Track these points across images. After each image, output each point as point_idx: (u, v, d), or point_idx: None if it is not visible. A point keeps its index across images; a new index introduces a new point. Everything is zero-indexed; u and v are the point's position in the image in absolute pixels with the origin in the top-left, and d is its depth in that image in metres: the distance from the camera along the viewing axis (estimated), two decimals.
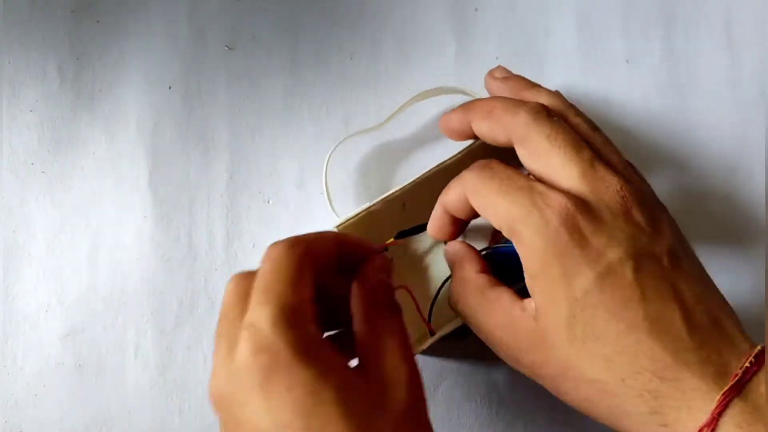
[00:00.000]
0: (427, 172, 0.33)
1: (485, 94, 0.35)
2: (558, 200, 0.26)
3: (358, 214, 0.33)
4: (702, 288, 0.26)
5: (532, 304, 0.27)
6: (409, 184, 0.33)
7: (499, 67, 0.35)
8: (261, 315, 0.24)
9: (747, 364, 0.24)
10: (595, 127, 0.30)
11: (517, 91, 0.32)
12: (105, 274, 0.38)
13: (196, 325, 0.37)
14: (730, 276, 0.38)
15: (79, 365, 0.37)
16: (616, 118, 0.40)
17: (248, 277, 0.27)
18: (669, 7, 0.41)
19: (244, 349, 0.24)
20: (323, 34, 0.40)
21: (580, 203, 0.26)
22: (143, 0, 0.40)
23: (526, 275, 0.27)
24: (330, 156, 0.36)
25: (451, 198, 0.30)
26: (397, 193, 0.33)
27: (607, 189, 0.27)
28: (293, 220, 0.38)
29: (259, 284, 0.26)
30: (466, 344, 0.36)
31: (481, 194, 0.28)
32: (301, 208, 0.39)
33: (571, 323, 0.25)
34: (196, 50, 0.40)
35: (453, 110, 0.32)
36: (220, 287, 0.38)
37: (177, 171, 0.39)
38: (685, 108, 0.40)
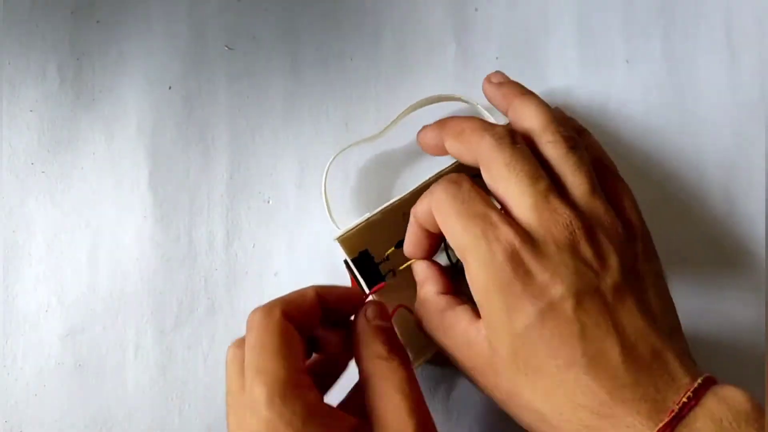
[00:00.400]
0: (426, 181, 0.33)
1: (484, 101, 0.36)
2: (506, 234, 0.27)
3: (358, 224, 0.33)
4: (646, 323, 0.26)
5: (482, 329, 0.28)
6: (408, 193, 0.33)
7: (496, 72, 0.35)
8: (256, 395, 0.25)
9: (684, 399, 0.24)
10: (572, 147, 0.29)
11: (509, 97, 0.32)
12: (105, 274, 0.38)
13: (196, 325, 0.37)
14: (730, 276, 0.38)
15: (79, 365, 0.37)
16: (616, 118, 0.40)
17: (242, 346, 0.28)
18: (669, 7, 0.41)
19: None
20: (323, 35, 0.40)
21: (527, 238, 0.27)
22: (143, 0, 0.40)
23: (475, 302, 0.28)
24: (329, 166, 0.36)
25: (420, 210, 0.30)
26: (396, 203, 0.34)
27: (556, 223, 0.27)
28: (293, 220, 0.38)
29: (249, 362, 0.26)
30: None
31: (443, 212, 0.29)
32: (301, 208, 0.39)
33: (514, 355, 0.26)
34: (196, 50, 0.40)
35: (430, 125, 0.34)
36: (220, 287, 0.38)
37: (177, 171, 0.39)
38: (685, 108, 0.40)
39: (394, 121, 0.37)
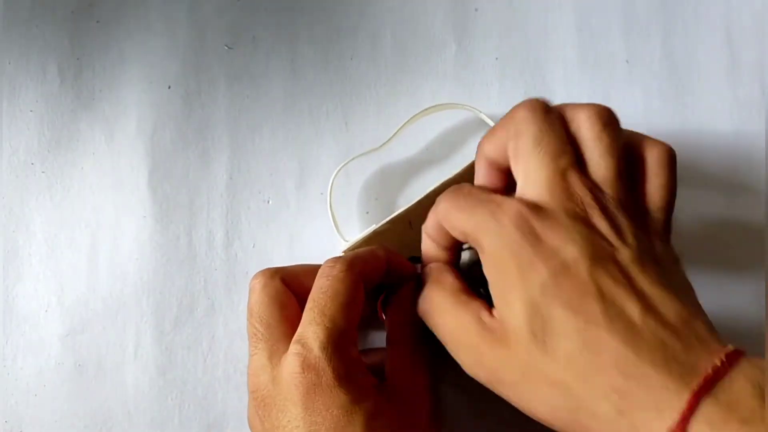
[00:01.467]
0: (432, 189, 0.33)
1: (486, 109, 0.35)
2: (512, 205, 0.26)
3: (365, 236, 0.33)
4: (669, 293, 0.25)
5: (495, 315, 0.27)
6: (414, 203, 0.33)
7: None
8: (312, 334, 0.27)
9: (718, 363, 0.23)
10: (606, 125, 0.28)
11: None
12: (105, 274, 0.38)
13: (196, 325, 0.37)
14: (730, 276, 0.38)
15: (79, 365, 0.37)
16: None
17: (275, 275, 0.30)
18: (669, 7, 0.41)
19: (293, 364, 0.27)
20: (323, 34, 0.40)
21: (534, 206, 0.26)
22: (143, 0, 0.40)
23: (489, 284, 0.27)
24: (333, 178, 0.36)
25: (429, 226, 0.30)
26: (402, 213, 0.34)
27: (570, 197, 0.26)
28: (293, 220, 0.38)
29: (316, 302, 0.28)
30: None
31: (450, 216, 0.28)
32: (301, 208, 0.39)
33: (531, 321, 0.25)
34: (196, 50, 0.40)
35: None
36: (220, 287, 0.38)
37: (177, 171, 0.39)
38: (685, 108, 0.40)
39: (398, 131, 0.37)
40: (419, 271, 0.32)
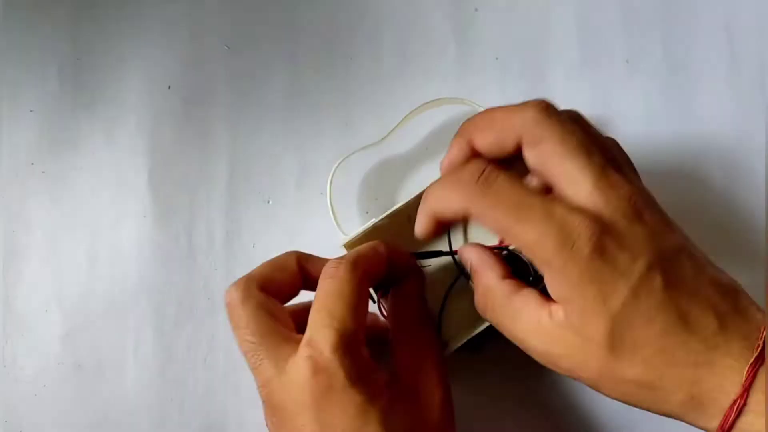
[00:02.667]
0: (431, 185, 0.33)
1: (486, 104, 0.35)
2: (584, 226, 0.26)
3: (365, 230, 0.33)
4: (713, 274, 0.27)
5: (560, 312, 0.27)
6: (413, 197, 0.33)
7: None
8: (323, 338, 0.27)
9: (765, 333, 0.25)
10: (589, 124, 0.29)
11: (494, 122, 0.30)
12: (105, 274, 0.38)
13: (196, 325, 0.37)
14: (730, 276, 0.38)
15: (79, 365, 0.37)
16: (616, 119, 0.40)
17: (250, 285, 0.30)
18: (669, 8, 0.41)
19: (304, 368, 0.27)
20: (323, 34, 0.40)
21: (602, 224, 0.26)
22: (143, 0, 0.40)
23: (553, 296, 0.27)
24: (333, 174, 0.36)
25: (444, 209, 0.29)
26: (401, 207, 0.33)
27: (620, 198, 0.27)
28: (293, 220, 0.38)
29: (323, 304, 0.28)
30: (479, 357, 0.36)
31: (495, 219, 0.27)
32: (301, 208, 0.39)
33: (610, 337, 0.26)
34: (196, 50, 0.40)
35: (449, 148, 0.31)
36: (220, 287, 0.38)
37: (176, 171, 0.39)
38: (685, 108, 0.40)
39: (397, 126, 0.37)
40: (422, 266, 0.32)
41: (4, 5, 0.39)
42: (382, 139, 0.37)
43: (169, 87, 0.39)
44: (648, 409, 0.27)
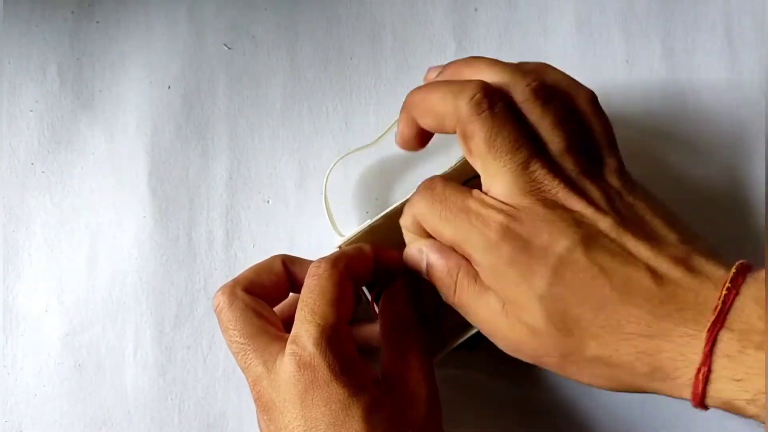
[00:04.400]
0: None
1: None
2: (492, 217, 0.27)
3: (361, 230, 0.33)
4: (658, 238, 0.27)
5: (497, 300, 0.28)
6: (408, 197, 0.33)
7: (430, 69, 0.34)
8: (305, 333, 0.28)
9: (725, 292, 0.24)
10: (544, 102, 0.29)
11: (456, 74, 0.32)
12: (105, 273, 0.38)
13: (196, 325, 0.37)
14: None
15: (79, 365, 0.37)
16: (616, 119, 0.40)
17: (236, 288, 0.30)
18: (669, 7, 0.41)
19: (289, 364, 0.28)
20: (323, 34, 0.40)
21: (513, 213, 0.27)
22: (143, 0, 0.40)
23: (496, 293, 0.28)
24: (329, 174, 0.36)
25: (408, 223, 0.31)
26: (398, 207, 0.33)
27: (538, 189, 0.27)
28: (293, 220, 0.38)
29: (306, 302, 0.29)
30: (476, 356, 0.36)
31: (429, 220, 0.29)
32: (300, 208, 0.39)
33: (550, 318, 0.26)
34: (196, 50, 0.40)
35: (398, 120, 0.33)
36: (219, 287, 0.38)
37: (176, 171, 0.39)
38: (685, 108, 0.40)
39: (393, 125, 0.37)
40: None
41: (4, 5, 0.39)
42: (377, 139, 0.37)
43: (169, 87, 0.39)
44: (624, 390, 0.27)
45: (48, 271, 0.38)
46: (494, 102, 0.28)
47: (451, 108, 0.29)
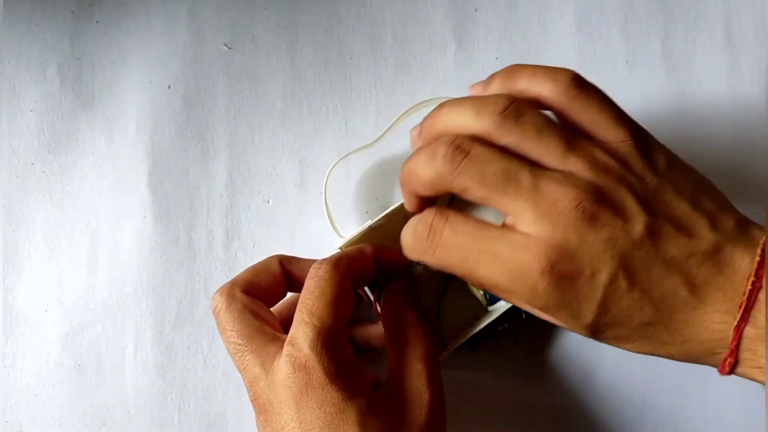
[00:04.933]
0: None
1: None
2: (535, 263, 0.25)
3: (361, 231, 0.33)
4: (688, 229, 0.26)
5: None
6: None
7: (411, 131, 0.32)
8: (302, 334, 0.28)
9: (749, 287, 0.25)
10: (518, 120, 0.27)
11: (430, 129, 0.29)
12: (104, 274, 0.38)
13: (196, 325, 0.37)
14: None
15: (79, 365, 0.37)
16: None
17: (234, 289, 0.30)
18: (669, 8, 0.41)
19: (285, 365, 0.27)
20: (323, 34, 0.40)
21: (555, 253, 0.25)
22: (143, 0, 0.40)
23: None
24: (329, 174, 0.36)
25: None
26: (398, 207, 0.33)
27: (562, 209, 0.25)
28: (293, 219, 0.38)
29: (304, 303, 0.29)
30: (477, 355, 0.36)
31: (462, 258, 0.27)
32: (300, 208, 0.39)
33: (593, 334, 0.27)
34: (196, 50, 0.40)
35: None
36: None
37: (176, 171, 0.39)
38: (685, 108, 0.40)
39: (392, 125, 0.37)
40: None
41: (4, 5, 0.39)
42: (377, 139, 0.37)
43: (169, 87, 0.39)
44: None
45: (48, 271, 0.38)
46: (466, 149, 0.26)
47: (434, 173, 0.27)
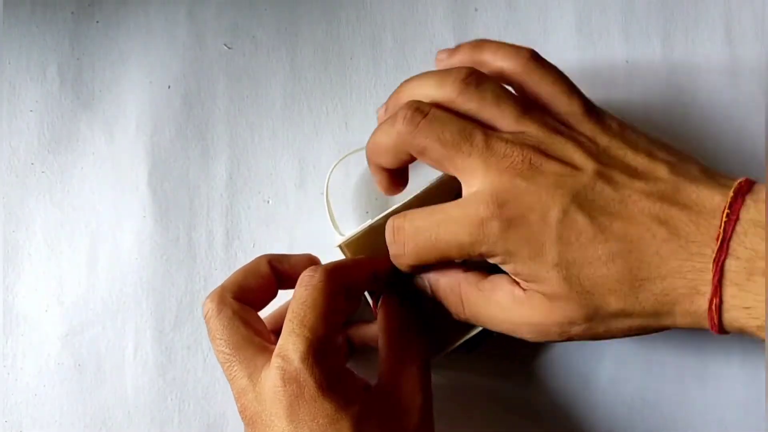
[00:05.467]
0: (429, 185, 0.33)
1: None
2: (484, 209, 0.27)
3: (361, 230, 0.33)
4: (644, 174, 0.27)
5: (524, 286, 0.28)
6: (411, 197, 0.33)
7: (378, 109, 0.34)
8: (292, 346, 0.27)
9: (724, 219, 0.24)
10: (477, 87, 0.29)
11: (394, 104, 0.31)
12: (104, 274, 0.38)
13: (196, 325, 0.37)
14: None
15: (79, 365, 0.37)
16: None
17: (225, 295, 0.30)
18: (669, 7, 0.41)
19: (274, 378, 0.27)
20: (323, 34, 0.40)
21: (500, 199, 0.27)
22: (143, 0, 0.40)
23: (510, 273, 0.28)
24: (330, 174, 0.36)
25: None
26: (398, 207, 0.33)
27: (510, 162, 0.27)
28: (293, 220, 0.38)
29: (295, 312, 0.28)
30: (474, 357, 0.36)
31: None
32: (300, 208, 0.39)
33: (567, 281, 0.26)
34: (196, 50, 0.40)
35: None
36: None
37: (176, 171, 0.39)
38: (685, 108, 0.40)
39: None
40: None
41: (4, 5, 0.39)
42: None
43: (169, 87, 0.39)
44: (653, 332, 0.27)
45: (48, 271, 0.38)
46: (424, 110, 0.28)
47: (394, 137, 0.29)
